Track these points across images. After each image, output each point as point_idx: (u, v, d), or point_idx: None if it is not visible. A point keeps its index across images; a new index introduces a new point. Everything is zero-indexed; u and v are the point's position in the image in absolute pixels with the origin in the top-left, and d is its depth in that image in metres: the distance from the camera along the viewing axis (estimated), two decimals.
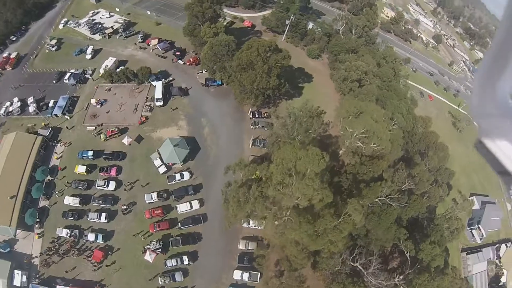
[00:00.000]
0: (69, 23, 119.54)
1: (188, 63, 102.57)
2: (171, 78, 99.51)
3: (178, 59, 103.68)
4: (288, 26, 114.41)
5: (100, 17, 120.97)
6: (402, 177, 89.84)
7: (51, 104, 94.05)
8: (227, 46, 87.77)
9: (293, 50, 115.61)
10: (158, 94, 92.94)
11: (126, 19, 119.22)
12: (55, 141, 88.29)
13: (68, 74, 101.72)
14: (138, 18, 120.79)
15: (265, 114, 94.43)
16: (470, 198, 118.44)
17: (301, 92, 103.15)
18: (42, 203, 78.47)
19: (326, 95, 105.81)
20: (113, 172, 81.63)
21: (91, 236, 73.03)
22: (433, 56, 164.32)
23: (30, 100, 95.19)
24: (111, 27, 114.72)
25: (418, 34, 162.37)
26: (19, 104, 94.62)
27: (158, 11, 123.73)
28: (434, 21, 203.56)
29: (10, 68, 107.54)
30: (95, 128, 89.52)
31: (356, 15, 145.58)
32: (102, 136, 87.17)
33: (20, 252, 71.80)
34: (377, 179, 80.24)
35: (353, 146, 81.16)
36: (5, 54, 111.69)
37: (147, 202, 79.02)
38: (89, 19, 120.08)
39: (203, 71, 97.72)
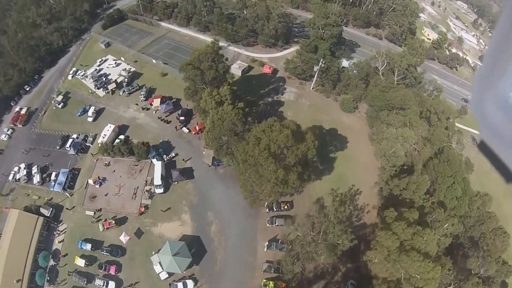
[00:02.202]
0: (77, 73, 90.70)
1: (193, 132, 70.05)
2: (173, 154, 68.07)
3: (183, 126, 71.49)
4: (317, 72, 76.32)
5: (107, 66, 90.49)
6: (448, 279, 55.68)
7: (53, 177, 72.03)
8: (233, 126, 53.60)
9: (323, 102, 78.95)
10: (157, 180, 63.29)
11: (132, 68, 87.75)
12: (55, 223, 67.49)
13: (70, 141, 76.37)
14: (144, 66, 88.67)
15: (285, 207, 61.05)
16: None
17: (332, 166, 67.58)
18: None
19: (363, 165, 69.72)
20: (112, 270, 59.45)
21: None
22: None
23: (34, 169, 74.93)
24: (115, 80, 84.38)
25: (464, 57, 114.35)
26: (25, 172, 74.40)
27: (166, 56, 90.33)
28: (477, 36, 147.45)
29: (21, 125, 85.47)
30: (94, 213, 65.84)
31: (397, 45, 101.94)
32: (100, 226, 63.28)
33: None
34: None
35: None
36: (17, 109, 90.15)
37: None
38: (96, 69, 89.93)
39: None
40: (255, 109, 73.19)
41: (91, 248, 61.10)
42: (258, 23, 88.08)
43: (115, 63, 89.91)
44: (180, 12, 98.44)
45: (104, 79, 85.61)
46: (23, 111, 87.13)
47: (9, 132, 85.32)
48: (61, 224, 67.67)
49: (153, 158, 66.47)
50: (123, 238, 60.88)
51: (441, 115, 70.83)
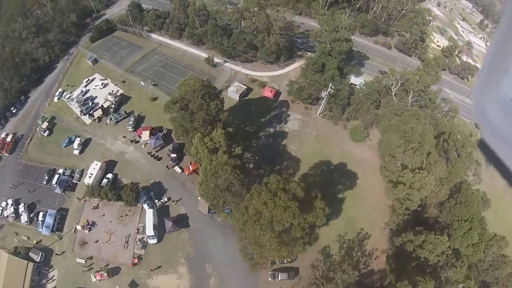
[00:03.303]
0: (63, 95, 78.20)
1: (187, 173, 58.53)
2: (165, 199, 57.08)
3: (174, 165, 59.80)
4: (325, 97, 63.58)
5: (94, 87, 77.26)
6: None
7: (40, 217, 62.61)
8: (230, 185, 42.43)
9: (331, 130, 66.49)
10: (149, 230, 53.27)
11: (120, 90, 74.75)
12: (46, 268, 59.37)
13: (56, 177, 65.79)
14: (132, 88, 75.13)
15: (289, 259, 50.95)
16: None
17: (340, 209, 56.96)
18: None
19: (373, 205, 59.16)
20: None
21: None
22: None
23: (21, 208, 65.24)
24: (101, 106, 71.57)
25: (475, 65, 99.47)
26: (12, 209, 65.31)
27: (156, 75, 76.32)
28: (484, 38, 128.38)
29: (7, 154, 74.87)
30: (85, 261, 56.85)
31: (407, 55, 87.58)
32: (92, 276, 54.39)
33: None
34: None
35: None
36: (3, 135, 78.58)
37: None
38: (82, 91, 77.00)
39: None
40: (256, 143, 61.41)
41: None
42: (258, 37, 73.64)
43: (102, 83, 76.53)
44: (172, 23, 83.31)
45: (90, 104, 72.86)
46: (8, 138, 75.93)
47: None
48: (52, 269, 59.36)
49: (144, 203, 55.83)
50: None
51: (461, 149, 59.08)
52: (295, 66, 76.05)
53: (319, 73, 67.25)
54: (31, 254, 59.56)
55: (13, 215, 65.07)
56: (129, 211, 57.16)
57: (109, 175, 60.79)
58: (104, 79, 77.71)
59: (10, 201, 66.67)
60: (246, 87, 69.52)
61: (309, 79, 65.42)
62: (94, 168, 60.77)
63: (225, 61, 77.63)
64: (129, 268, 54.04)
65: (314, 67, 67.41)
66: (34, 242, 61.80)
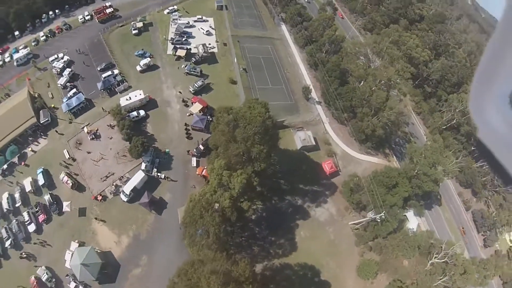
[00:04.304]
0: (173, 14, 74.65)
1: (198, 172, 51.80)
2: (163, 176, 51.30)
3: (194, 155, 53.29)
4: (369, 219, 52.65)
5: (199, 28, 72.78)
6: None
7: (70, 93, 62.13)
8: (205, 233, 35.44)
9: (348, 248, 53.68)
10: (127, 189, 48.47)
11: (215, 49, 69.20)
12: (42, 133, 59.11)
13: (108, 73, 63.74)
14: (224, 56, 68.95)
15: None
16: None
17: None
18: None
19: None
20: (41, 218, 49.97)
21: None
22: None
23: (67, 71, 65.30)
24: (189, 49, 66.75)
25: None
26: (61, 66, 66.10)
27: (253, 62, 68.45)
28: None
29: (97, 21, 75.74)
30: (68, 158, 55.10)
31: (478, 231, 71.10)
32: (62, 174, 52.88)
33: None
34: None
35: None
36: (107, 4, 78.82)
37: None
38: (187, 23, 72.90)
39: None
40: (276, 201, 52.45)
41: (42, 184, 52.26)
42: (363, 108, 63.04)
43: (207, 31, 71.63)
44: (305, 30, 74.97)
45: (182, 39, 68.64)
46: (108, 10, 76.16)
47: (87, 18, 76.50)
48: (45, 137, 58.99)
49: (145, 163, 50.88)
50: (66, 207, 49.91)
51: None
52: (374, 160, 63.96)
53: (386, 189, 56.16)
54: (41, 112, 59.13)
55: (58, 70, 65.14)
56: (124, 156, 52.91)
57: (142, 112, 56.67)
58: (212, 28, 72.91)
59: (66, 58, 68.12)
60: (314, 144, 59.76)
61: (372, 189, 54.47)
62: (136, 96, 56.90)
63: (319, 102, 68.21)
64: (89, 197, 50.75)
65: (387, 180, 56.13)
66: (53, 105, 62.22)
